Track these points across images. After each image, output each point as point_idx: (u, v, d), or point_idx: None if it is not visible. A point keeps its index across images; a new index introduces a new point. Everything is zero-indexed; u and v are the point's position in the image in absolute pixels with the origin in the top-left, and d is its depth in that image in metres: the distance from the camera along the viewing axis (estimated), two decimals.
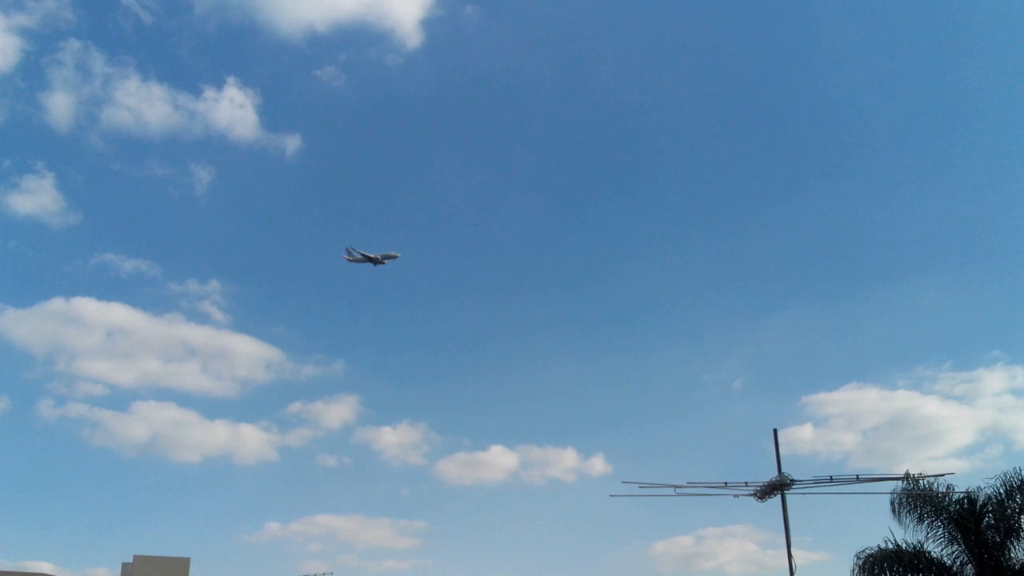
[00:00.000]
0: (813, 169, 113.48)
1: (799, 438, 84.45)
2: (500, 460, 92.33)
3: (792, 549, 22.81)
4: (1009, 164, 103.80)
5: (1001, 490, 23.63)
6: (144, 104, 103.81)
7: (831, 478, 23.39)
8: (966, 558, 23.61)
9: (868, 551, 24.19)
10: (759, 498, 23.65)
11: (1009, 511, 23.44)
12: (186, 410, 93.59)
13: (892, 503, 24.44)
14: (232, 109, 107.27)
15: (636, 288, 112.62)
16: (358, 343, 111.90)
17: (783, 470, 23.39)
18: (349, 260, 78.60)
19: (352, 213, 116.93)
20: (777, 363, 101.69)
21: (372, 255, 78.04)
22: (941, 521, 23.95)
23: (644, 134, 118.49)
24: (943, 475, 24.14)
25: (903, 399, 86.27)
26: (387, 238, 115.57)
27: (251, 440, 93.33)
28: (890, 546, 24.02)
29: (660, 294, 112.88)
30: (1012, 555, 23.38)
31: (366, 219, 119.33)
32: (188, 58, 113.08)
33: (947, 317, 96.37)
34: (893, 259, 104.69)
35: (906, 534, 24.20)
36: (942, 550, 23.85)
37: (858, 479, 23.44)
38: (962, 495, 24.03)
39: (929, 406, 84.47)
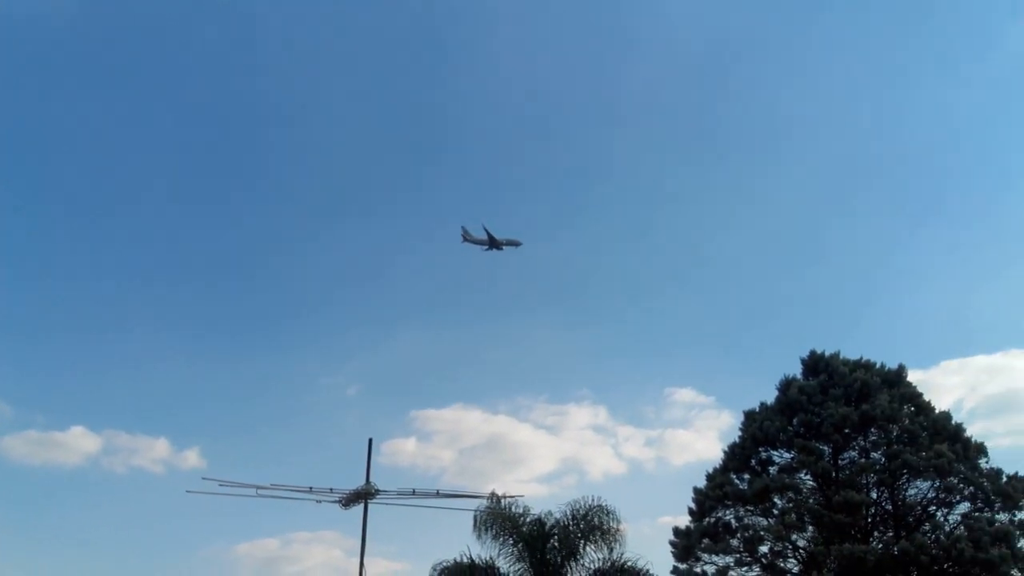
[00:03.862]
0: (453, 200, 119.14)
1: (403, 450, 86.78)
2: (80, 443, 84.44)
3: (375, 558, 24.32)
4: (619, 221, 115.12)
5: (568, 515, 26.34)
6: None
7: (414, 491, 25.31)
8: (530, 575, 25.95)
9: (444, 563, 25.71)
10: (344, 505, 25.07)
11: (572, 536, 25.99)
12: None
13: (475, 519, 26.39)
14: None
15: (262, 285, 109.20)
16: None
17: (372, 480, 25.14)
18: (466, 240, 70.07)
19: None
20: (394, 375, 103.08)
21: (497, 238, 69.64)
22: (514, 540, 26.17)
23: (296, 127, 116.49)
24: (520, 496, 26.61)
25: (501, 423, 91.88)
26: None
27: None
28: (466, 560, 25.87)
29: (286, 293, 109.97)
30: (569, 575, 26.01)
31: None
32: None
33: (550, 354, 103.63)
34: (513, 297, 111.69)
35: (483, 550, 26.17)
36: (511, 567, 26.03)
37: (439, 494, 25.50)
38: (535, 517, 26.50)
39: (522, 432, 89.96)
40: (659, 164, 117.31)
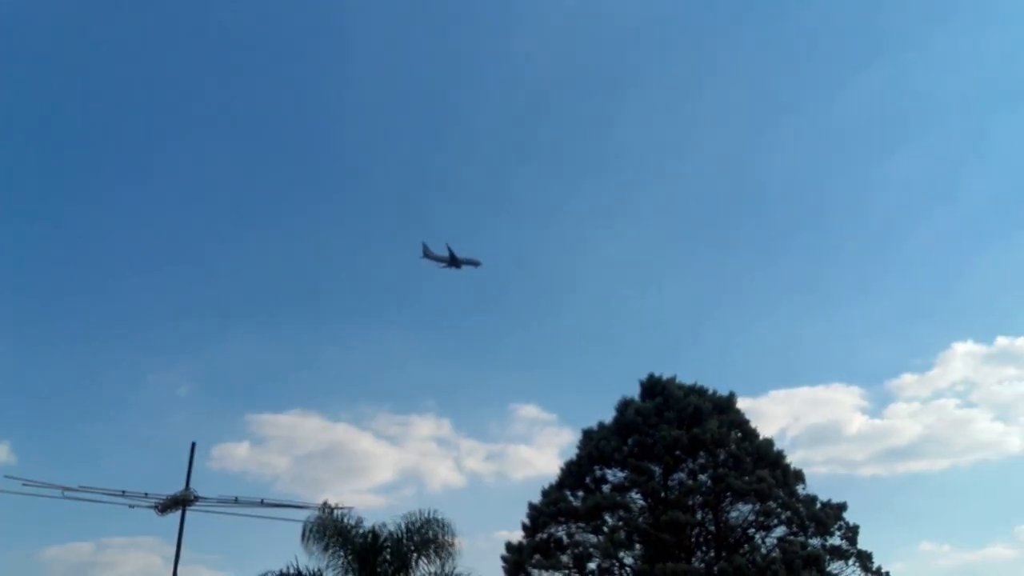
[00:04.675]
0: (302, 201, 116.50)
1: (235, 455, 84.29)
2: None
3: (196, 567, 22.81)
4: (470, 235, 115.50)
5: (403, 528, 25.63)
6: None
7: (236, 499, 23.90)
8: None
9: (270, 574, 24.53)
10: (160, 512, 23.38)
11: (405, 549, 25.38)
12: None
13: (304, 529, 25.23)
14: None
15: (91, 270, 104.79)
16: None
17: (194, 486, 23.59)
18: (427, 256, 68.89)
19: None
20: (230, 376, 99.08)
21: (458, 257, 68.81)
22: (345, 551, 25.20)
23: (138, 110, 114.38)
24: (351, 508, 25.71)
25: (341, 431, 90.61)
26: None
27: None
28: (292, 571, 24.70)
29: (116, 281, 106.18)
30: None
31: None
32: None
33: (397, 364, 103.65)
34: (360, 301, 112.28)
35: (312, 561, 25.04)
36: None
37: (263, 503, 24.21)
38: (368, 529, 25.63)
39: (363, 442, 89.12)
40: (512, 180, 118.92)
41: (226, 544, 70.06)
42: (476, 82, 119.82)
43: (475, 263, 72.42)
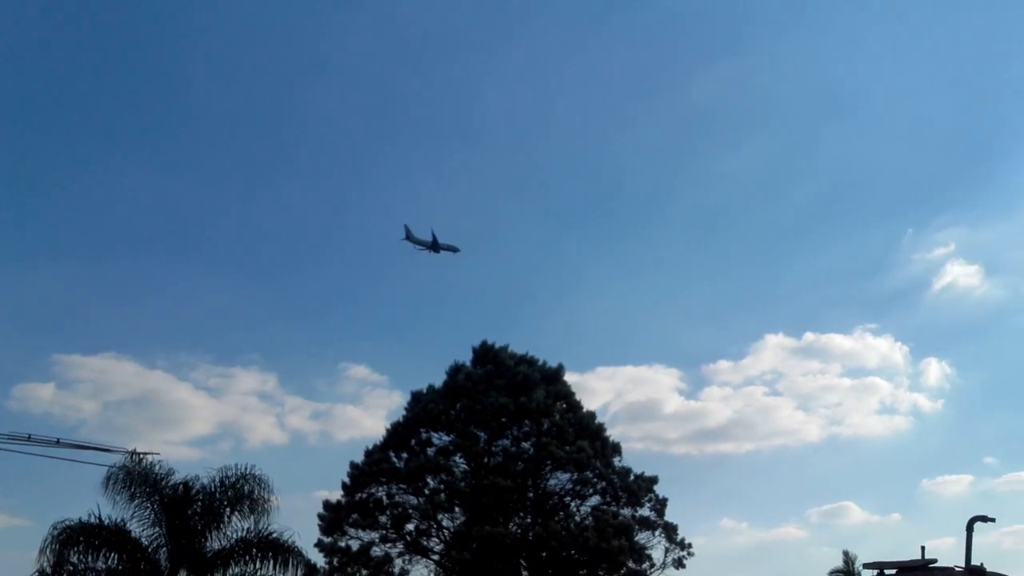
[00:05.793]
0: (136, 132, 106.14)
1: (38, 396, 78.21)
2: None
3: None
4: (307, 191, 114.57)
5: (217, 482, 24.64)
6: None
7: (30, 437, 22.08)
8: (164, 540, 23.90)
9: (68, 522, 22.95)
10: None
11: (217, 503, 24.45)
12: None
13: (107, 477, 23.74)
14: None
15: None
16: None
17: None
18: (408, 239, 67.01)
19: None
20: (35, 312, 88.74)
21: (440, 243, 67.22)
22: (152, 502, 23.99)
23: None
24: (158, 454, 24.45)
25: (158, 379, 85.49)
26: None
27: None
28: (93, 520, 23.27)
29: None
30: (208, 544, 24.35)
31: None
32: None
33: (223, 312, 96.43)
34: (187, 244, 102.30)
35: (116, 510, 23.69)
36: (144, 531, 23.84)
37: (59, 443, 22.43)
38: (181, 481, 24.49)
39: (181, 392, 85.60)
40: (350, 134, 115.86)
41: (23, 489, 65.21)
42: (335, 37, 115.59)
43: (454, 249, 70.72)
